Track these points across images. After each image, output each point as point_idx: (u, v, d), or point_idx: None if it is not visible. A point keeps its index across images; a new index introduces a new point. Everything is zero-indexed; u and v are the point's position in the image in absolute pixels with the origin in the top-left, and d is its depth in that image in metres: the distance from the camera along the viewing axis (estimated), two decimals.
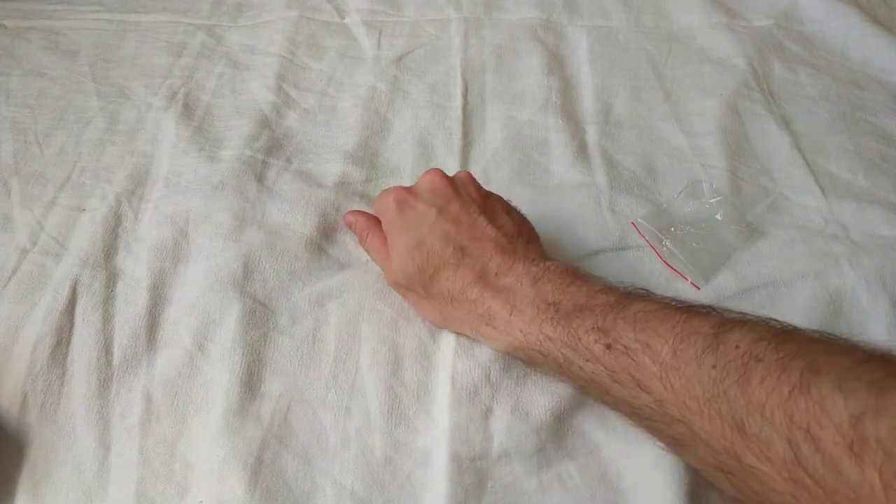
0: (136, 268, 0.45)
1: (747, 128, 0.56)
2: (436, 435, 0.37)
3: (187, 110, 0.57)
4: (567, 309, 0.34)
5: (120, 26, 0.66)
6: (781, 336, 0.28)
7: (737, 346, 0.28)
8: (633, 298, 0.34)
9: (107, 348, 0.41)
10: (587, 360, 0.33)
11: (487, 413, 0.38)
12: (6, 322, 0.42)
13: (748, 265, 0.45)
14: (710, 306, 0.32)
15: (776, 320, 0.30)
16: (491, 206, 0.41)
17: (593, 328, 0.33)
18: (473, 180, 0.43)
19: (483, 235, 0.39)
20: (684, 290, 0.44)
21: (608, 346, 0.32)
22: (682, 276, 0.45)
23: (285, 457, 0.37)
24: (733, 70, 0.60)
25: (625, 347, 0.31)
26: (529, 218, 0.42)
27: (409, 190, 0.42)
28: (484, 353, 0.41)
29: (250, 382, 0.39)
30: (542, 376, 0.39)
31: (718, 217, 0.47)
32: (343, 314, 0.42)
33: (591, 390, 0.35)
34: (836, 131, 0.55)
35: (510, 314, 0.36)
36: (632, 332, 0.31)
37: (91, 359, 0.40)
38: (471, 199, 0.41)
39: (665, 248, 0.46)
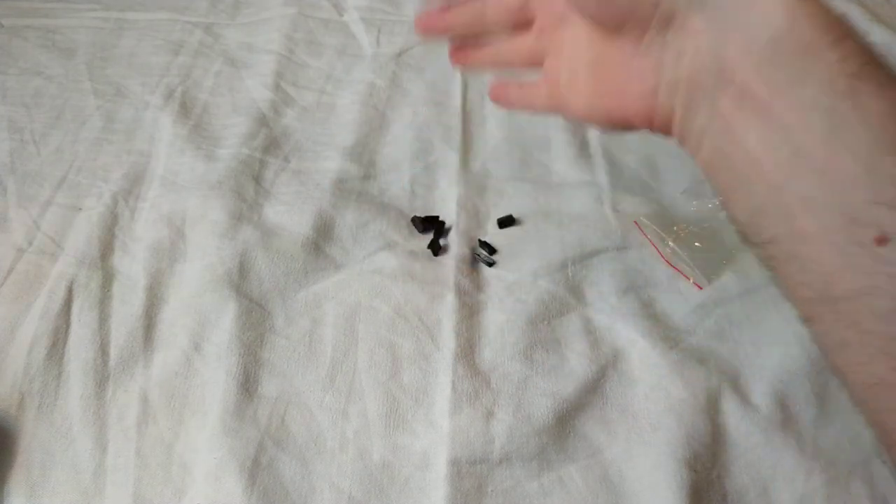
0: (132, 267, 0.45)
1: None
2: (435, 439, 0.37)
3: (184, 109, 0.56)
4: None
5: (117, 24, 0.65)
6: None
7: None
8: None
9: (103, 349, 0.41)
10: None
11: (489, 416, 0.37)
12: (2, 322, 0.42)
13: (751, 265, 0.45)
14: None
15: None
16: None
17: None
18: None
19: None
20: (686, 290, 0.44)
21: None
22: (685, 275, 0.44)
23: (282, 459, 0.36)
24: None
25: None
26: (530, 216, 0.42)
27: None
28: (485, 356, 0.40)
29: (247, 384, 0.39)
30: (543, 377, 0.39)
31: (721, 217, 0.47)
32: (340, 314, 0.42)
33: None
34: None
35: None
36: None
37: (87, 359, 0.40)
38: None
39: (668, 248, 0.45)
